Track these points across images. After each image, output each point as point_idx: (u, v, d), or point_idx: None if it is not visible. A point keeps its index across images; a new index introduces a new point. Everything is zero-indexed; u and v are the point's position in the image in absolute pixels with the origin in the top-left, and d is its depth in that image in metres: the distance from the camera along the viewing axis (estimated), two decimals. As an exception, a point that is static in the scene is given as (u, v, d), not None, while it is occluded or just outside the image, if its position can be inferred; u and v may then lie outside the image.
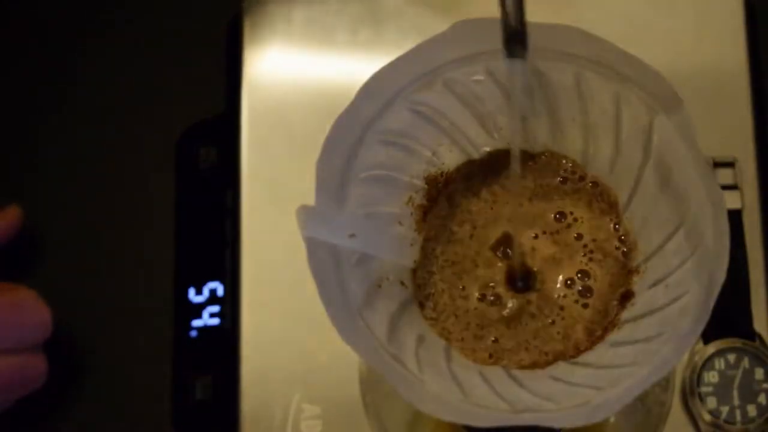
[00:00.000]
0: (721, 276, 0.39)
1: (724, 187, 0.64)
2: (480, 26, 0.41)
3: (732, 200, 0.63)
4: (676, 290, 0.40)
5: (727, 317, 0.62)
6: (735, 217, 0.63)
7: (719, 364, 0.61)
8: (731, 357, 0.61)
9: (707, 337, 0.62)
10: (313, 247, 0.40)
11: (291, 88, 0.67)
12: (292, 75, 0.67)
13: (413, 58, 0.41)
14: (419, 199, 0.44)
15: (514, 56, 0.39)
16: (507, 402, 0.39)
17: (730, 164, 0.64)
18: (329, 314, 0.39)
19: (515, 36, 0.38)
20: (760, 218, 0.64)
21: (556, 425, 0.38)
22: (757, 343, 0.61)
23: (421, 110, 0.42)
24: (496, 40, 0.40)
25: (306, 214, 0.40)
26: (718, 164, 0.64)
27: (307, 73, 0.68)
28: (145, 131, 0.74)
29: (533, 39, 0.40)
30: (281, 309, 0.64)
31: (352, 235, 0.41)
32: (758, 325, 0.62)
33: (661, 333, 0.40)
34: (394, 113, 0.42)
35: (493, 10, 0.68)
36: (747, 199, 0.64)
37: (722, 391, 0.61)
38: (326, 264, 0.40)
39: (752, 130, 0.65)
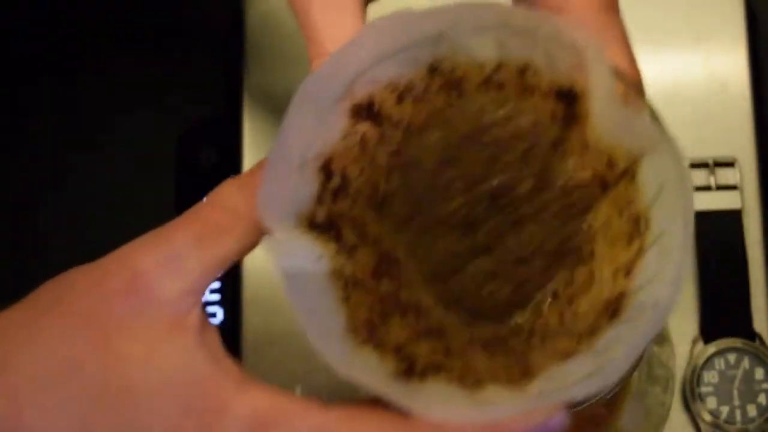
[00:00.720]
0: (690, 208, 0.39)
1: (725, 187, 0.64)
2: (392, 23, 0.41)
3: (732, 200, 0.63)
4: (652, 233, 0.40)
5: (727, 317, 0.63)
6: (735, 217, 0.63)
7: (719, 364, 0.61)
8: (731, 357, 0.61)
9: (707, 337, 0.62)
10: (288, 278, 0.39)
11: (291, 88, 0.67)
12: (292, 75, 0.67)
13: (334, 66, 0.42)
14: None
15: None
16: (513, 390, 0.39)
17: (730, 164, 0.64)
18: (318, 349, 0.39)
19: None
20: (760, 218, 0.64)
21: (576, 398, 0.38)
22: (757, 343, 0.61)
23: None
24: (409, 33, 0.41)
25: (275, 246, 0.39)
26: (718, 164, 0.64)
27: (307, 73, 0.67)
28: (145, 131, 0.74)
29: (452, 20, 0.40)
30: (281, 308, 0.64)
31: (320, 257, 0.41)
32: (758, 325, 0.62)
33: (649, 281, 0.39)
34: (327, 128, 0.42)
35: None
36: (747, 199, 0.64)
37: (722, 391, 0.61)
38: (302, 295, 0.40)
39: (752, 130, 0.65)
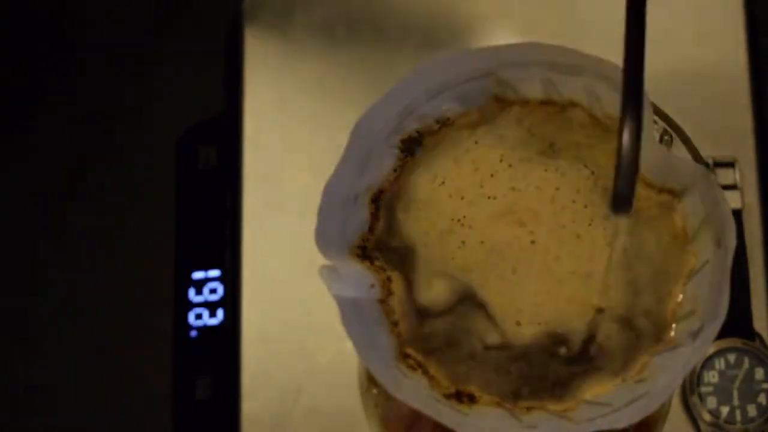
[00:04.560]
0: (731, 239, 0.40)
1: (724, 187, 0.64)
2: (443, 62, 0.43)
3: (732, 200, 0.63)
4: (693, 266, 0.41)
5: (727, 317, 0.62)
6: (735, 218, 0.63)
7: (719, 364, 0.61)
8: (731, 357, 0.61)
9: (707, 337, 0.62)
10: (342, 305, 0.40)
11: (291, 88, 0.67)
12: (292, 75, 0.67)
13: (387, 102, 0.43)
14: None
15: (619, 212, 0.40)
16: (560, 416, 0.39)
17: (730, 164, 0.64)
18: (372, 371, 0.39)
19: (623, 198, 0.39)
20: (760, 218, 0.64)
21: (618, 426, 0.39)
22: (757, 343, 0.61)
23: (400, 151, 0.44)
24: (458, 71, 0.43)
25: (329, 274, 0.40)
26: (718, 164, 0.64)
27: (307, 73, 0.68)
28: (145, 131, 0.74)
29: (500, 59, 0.42)
30: (281, 309, 0.64)
31: (373, 286, 0.42)
32: (758, 325, 0.62)
33: (691, 311, 0.40)
34: (378, 162, 0.43)
35: (492, 9, 0.68)
36: (747, 199, 0.64)
37: (722, 391, 0.61)
38: (355, 320, 0.41)
39: (752, 130, 0.65)
